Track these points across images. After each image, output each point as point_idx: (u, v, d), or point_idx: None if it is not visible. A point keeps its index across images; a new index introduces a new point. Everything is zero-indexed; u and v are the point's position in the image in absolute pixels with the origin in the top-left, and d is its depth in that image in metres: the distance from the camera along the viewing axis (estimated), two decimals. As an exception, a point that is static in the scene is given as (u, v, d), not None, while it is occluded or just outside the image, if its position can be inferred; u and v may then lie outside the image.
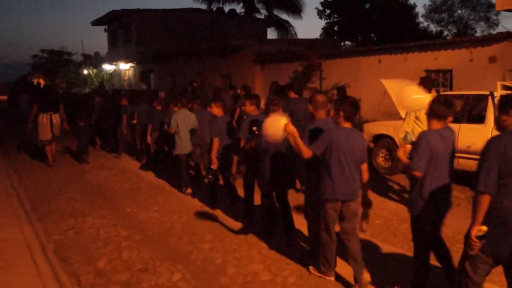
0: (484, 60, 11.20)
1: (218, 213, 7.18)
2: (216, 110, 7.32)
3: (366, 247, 5.56)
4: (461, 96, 8.69)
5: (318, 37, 29.38)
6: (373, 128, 9.78)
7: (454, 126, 7.42)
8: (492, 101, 7.81)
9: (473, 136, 7.62)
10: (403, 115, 7.90)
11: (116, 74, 32.00)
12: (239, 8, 33.40)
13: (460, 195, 7.57)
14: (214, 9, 32.20)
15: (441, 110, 4.07)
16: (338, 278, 4.73)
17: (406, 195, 7.69)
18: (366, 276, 4.44)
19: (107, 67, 32.20)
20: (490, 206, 3.21)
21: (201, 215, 7.11)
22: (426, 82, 7.12)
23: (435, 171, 4.01)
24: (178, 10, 28.72)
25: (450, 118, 4.23)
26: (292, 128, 4.33)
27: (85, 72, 34.00)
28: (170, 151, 9.23)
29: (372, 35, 30.66)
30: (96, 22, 32.83)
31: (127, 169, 10.83)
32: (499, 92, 7.86)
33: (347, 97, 4.65)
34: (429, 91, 6.90)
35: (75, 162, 11.72)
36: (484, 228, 3.21)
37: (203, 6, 32.48)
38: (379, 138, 9.55)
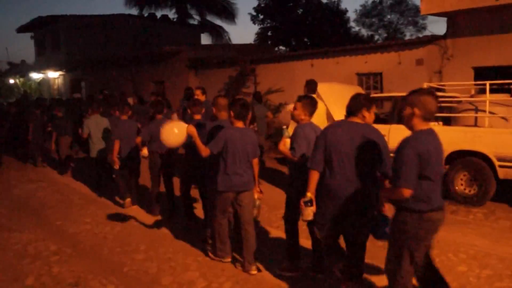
0: (412, 63, 11.60)
1: (153, 222, 7.03)
2: (118, 113, 8.13)
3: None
4: (390, 97, 8.95)
5: (252, 42, 29.49)
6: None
7: (385, 127, 7.69)
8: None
9: (403, 136, 7.80)
10: (336, 117, 8.04)
11: (45, 82, 30.73)
12: (171, 14, 33.14)
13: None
14: (146, 15, 31.73)
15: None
16: (273, 280, 4.73)
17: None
18: (254, 269, 4.92)
19: (35, 76, 30.86)
20: (322, 184, 3.97)
21: (135, 225, 6.94)
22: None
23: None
24: (109, 16, 27.85)
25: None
26: (192, 129, 4.85)
27: (12, 81, 32.47)
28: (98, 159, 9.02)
29: (306, 39, 31.15)
30: (22, 29, 31.34)
31: (57, 181, 10.42)
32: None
33: (239, 99, 5.00)
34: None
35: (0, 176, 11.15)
36: (309, 195, 3.98)
37: (135, 12, 31.97)
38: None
